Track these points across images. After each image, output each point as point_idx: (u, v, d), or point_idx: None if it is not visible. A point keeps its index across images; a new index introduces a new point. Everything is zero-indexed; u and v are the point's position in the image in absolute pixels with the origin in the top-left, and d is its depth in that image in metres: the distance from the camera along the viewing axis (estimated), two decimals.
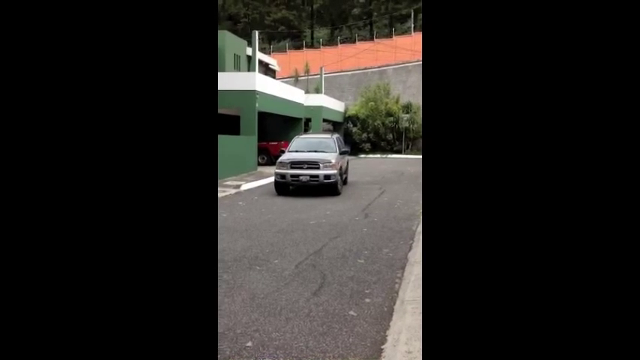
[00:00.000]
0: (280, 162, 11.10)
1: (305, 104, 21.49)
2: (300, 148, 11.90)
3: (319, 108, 24.09)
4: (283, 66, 31.35)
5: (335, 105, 27.60)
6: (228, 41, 19.93)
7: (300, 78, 32.34)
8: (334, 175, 10.64)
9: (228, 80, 15.22)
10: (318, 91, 27.45)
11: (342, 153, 11.76)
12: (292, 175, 10.76)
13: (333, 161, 10.79)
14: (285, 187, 11.17)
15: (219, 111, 14.71)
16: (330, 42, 41.80)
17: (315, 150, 11.54)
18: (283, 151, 11.91)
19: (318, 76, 28.56)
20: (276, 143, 18.48)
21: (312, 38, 46.09)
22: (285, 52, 39.07)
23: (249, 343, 3.28)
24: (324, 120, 25.37)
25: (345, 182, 12.39)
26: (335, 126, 28.56)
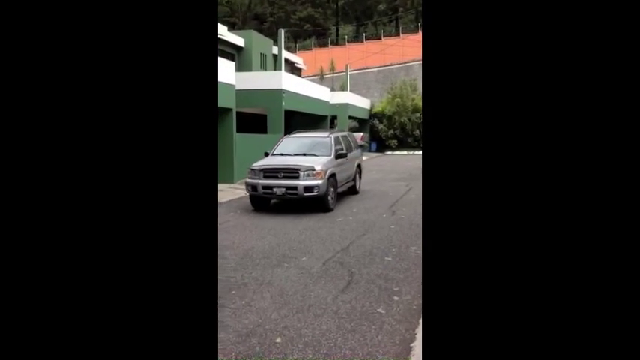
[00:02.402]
0: (251, 169, 8.55)
1: (331, 102, 21.46)
2: (286, 150, 9.37)
3: (345, 105, 24.02)
4: (309, 64, 31.42)
5: (361, 102, 27.47)
6: (254, 41, 20.12)
7: (325, 76, 32.36)
8: (318, 186, 8.05)
9: (254, 79, 15.36)
10: (343, 88, 27.39)
11: (339, 156, 9.06)
12: (265, 187, 8.26)
13: (318, 168, 8.18)
14: (262, 202, 8.68)
15: (247, 110, 14.88)
16: (356, 39, 41.61)
17: (305, 153, 9.03)
18: (266, 154, 9.57)
19: (344, 73, 28.48)
20: None
21: (338, 35, 45.99)
22: (311, 50, 39.14)
23: (279, 339, 3.31)
24: (350, 117, 25.29)
25: (355, 191, 10.42)
26: (361, 123, 28.44)
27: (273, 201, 9.05)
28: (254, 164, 8.75)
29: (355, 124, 27.88)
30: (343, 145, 9.80)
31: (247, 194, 8.85)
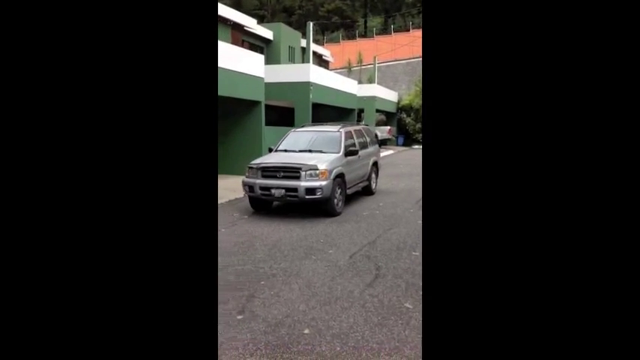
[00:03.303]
0: (249, 167, 7.71)
1: (358, 95, 21.37)
2: (291, 146, 8.44)
3: (372, 98, 23.86)
4: (336, 57, 31.30)
5: (388, 95, 27.22)
6: (283, 33, 20.19)
7: (353, 68, 32.19)
8: (321, 188, 7.13)
9: (282, 72, 15.44)
10: (371, 81, 27.20)
11: (349, 153, 8.14)
12: (262, 188, 7.38)
13: (322, 167, 7.26)
14: (262, 204, 7.83)
15: (275, 103, 14.99)
16: (384, 31, 41.15)
17: (311, 149, 8.13)
18: (271, 150, 8.75)
19: (372, 65, 28.27)
20: None
21: (366, 28, 45.58)
22: (339, 42, 38.95)
23: (307, 331, 3.38)
24: (377, 110, 25.11)
25: (370, 192, 9.48)
26: (388, 116, 28.21)
27: (275, 203, 8.13)
28: (253, 161, 7.86)
29: (382, 117, 27.67)
30: (356, 140, 8.82)
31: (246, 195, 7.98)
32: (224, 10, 15.65)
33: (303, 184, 7.17)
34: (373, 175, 9.68)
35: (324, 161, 7.48)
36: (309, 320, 3.55)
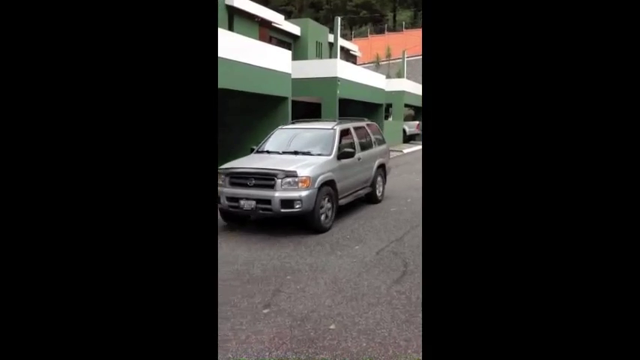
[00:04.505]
0: (217, 172, 6.21)
1: (386, 89, 21.12)
2: (276, 146, 7.10)
3: (401, 93, 23.54)
4: (365, 51, 31.07)
5: (417, 89, 26.78)
6: (310, 29, 20.16)
7: (381, 63, 31.88)
8: (301, 200, 5.78)
9: (310, 68, 15.42)
10: (399, 75, 26.85)
11: (343, 156, 6.72)
12: (230, 198, 6.06)
13: (304, 174, 5.88)
14: (235, 216, 6.46)
15: (302, 99, 15.00)
16: (413, 24, 40.56)
17: (297, 151, 6.78)
18: (252, 150, 7.48)
19: (400, 60, 27.91)
20: None
21: (395, 21, 45.06)
22: (367, 37, 38.66)
23: (333, 326, 3.36)
24: (406, 105, 24.78)
25: (375, 199, 8.03)
26: (417, 111, 27.81)
27: (251, 217, 6.72)
28: (223, 165, 6.42)
29: (411, 112, 27.31)
30: (356, 139, 7.44)
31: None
32: (252, 7, 15.75)
33: (278, 194, 5.79)
34: (379, 180, 8.21)
35: (307, 166, 6.10)
36: (335, 315, 3.53)
